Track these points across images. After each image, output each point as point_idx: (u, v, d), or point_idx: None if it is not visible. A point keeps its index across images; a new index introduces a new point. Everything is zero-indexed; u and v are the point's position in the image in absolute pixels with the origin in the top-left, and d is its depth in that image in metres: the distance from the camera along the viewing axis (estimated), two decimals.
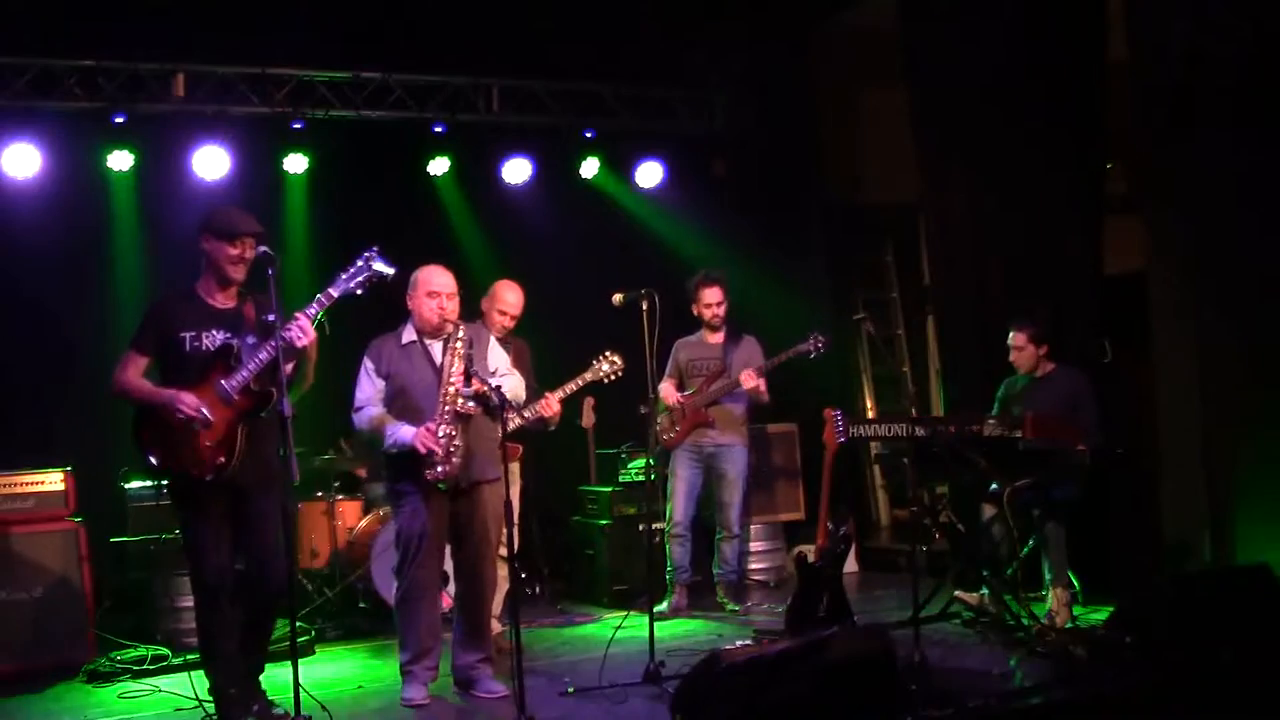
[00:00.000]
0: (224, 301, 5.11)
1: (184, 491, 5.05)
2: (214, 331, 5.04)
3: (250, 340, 4.98)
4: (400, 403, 5.58)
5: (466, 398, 5.48)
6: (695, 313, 7.44)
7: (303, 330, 4.89)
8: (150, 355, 5.08)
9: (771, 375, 7.34)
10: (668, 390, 7.35)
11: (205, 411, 4.91)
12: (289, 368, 5.06)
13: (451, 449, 5.44)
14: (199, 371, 4.99)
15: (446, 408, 5.47)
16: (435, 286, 5.57)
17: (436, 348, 5.62)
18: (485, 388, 5.40)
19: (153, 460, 5.01)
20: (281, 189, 8.27)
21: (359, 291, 5.08)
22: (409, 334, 5.66)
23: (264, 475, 4.99)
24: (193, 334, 5.02)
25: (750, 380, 7.17)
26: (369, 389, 5.62)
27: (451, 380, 5.49)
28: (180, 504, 5.10)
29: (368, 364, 5.63)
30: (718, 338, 7.44)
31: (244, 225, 5.04)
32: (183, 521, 5.13)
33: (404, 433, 5.47)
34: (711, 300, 7.37)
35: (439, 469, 5.43)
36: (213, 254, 5.05)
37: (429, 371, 5.58)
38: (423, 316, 5.60)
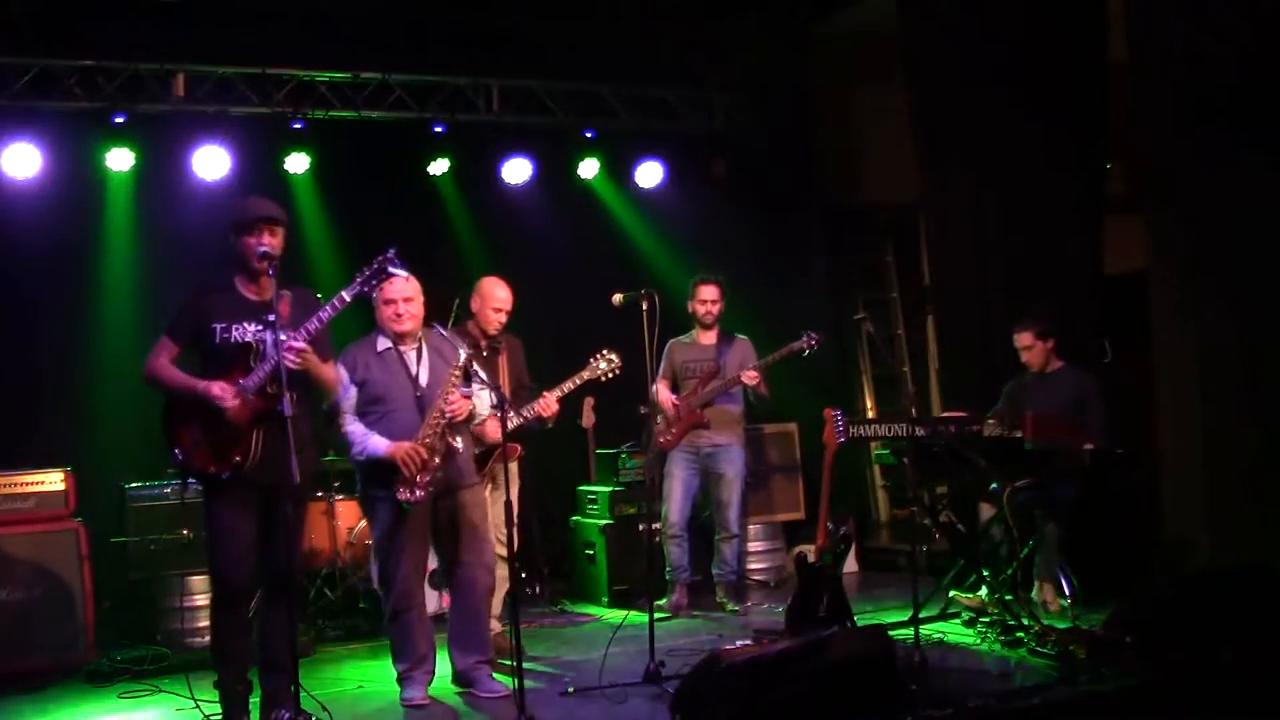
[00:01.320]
0: (257, 294, 5.10)
1: (213, 488, 5.06)
2: (245, 324, 5.03)
3: (273, 337, 4.96)
4: (374, 411, 5.53)
5: (453, 428, 5.44)
6: (690, 310, 7.43)
7: (296, 353, 4.88)
8: (182, 344, 5.08)
9: (770, 375, 7.34)
10: (662, 393, 7.34)
11: (232, 398, 4.91)
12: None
13: (431, 478, 5.39)
14: (226, 365, 4.99)
15: (431, 434, 5.41)
16: (390, 294, 5.50)
17: (411, 355, 5.58)
18: (476, 399, 5.43)
19: (177, 454, 5.02)
20: (282, 189, 8.24)
21: (375, 294, 5.09)
22: (383, 342, 5.60)
23: (290, 475, 4.95)
24: (223, 325, 5.03)
25: (752, 377, 7.17)
26: (343, 395, 5.53)
27: (446, 410, 5.42)
28: (209, 500, 5.11)
29: (341, 371, 5.53)
30: (710, 338, 7.44)
31: (257, 210, 5.07)
32: (208, 516, 5.14)
33: (378, 445, 5.41)
34: (707, 297, 7.37)
35: (414, 493, 5.38)
36: (238, 248, 5.06)
37: (404, 380, 5.54)
38: (382, 324, 5.58)
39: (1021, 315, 6.96)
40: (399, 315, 5.52)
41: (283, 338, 4.86)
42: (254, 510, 5.05)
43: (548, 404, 6.35)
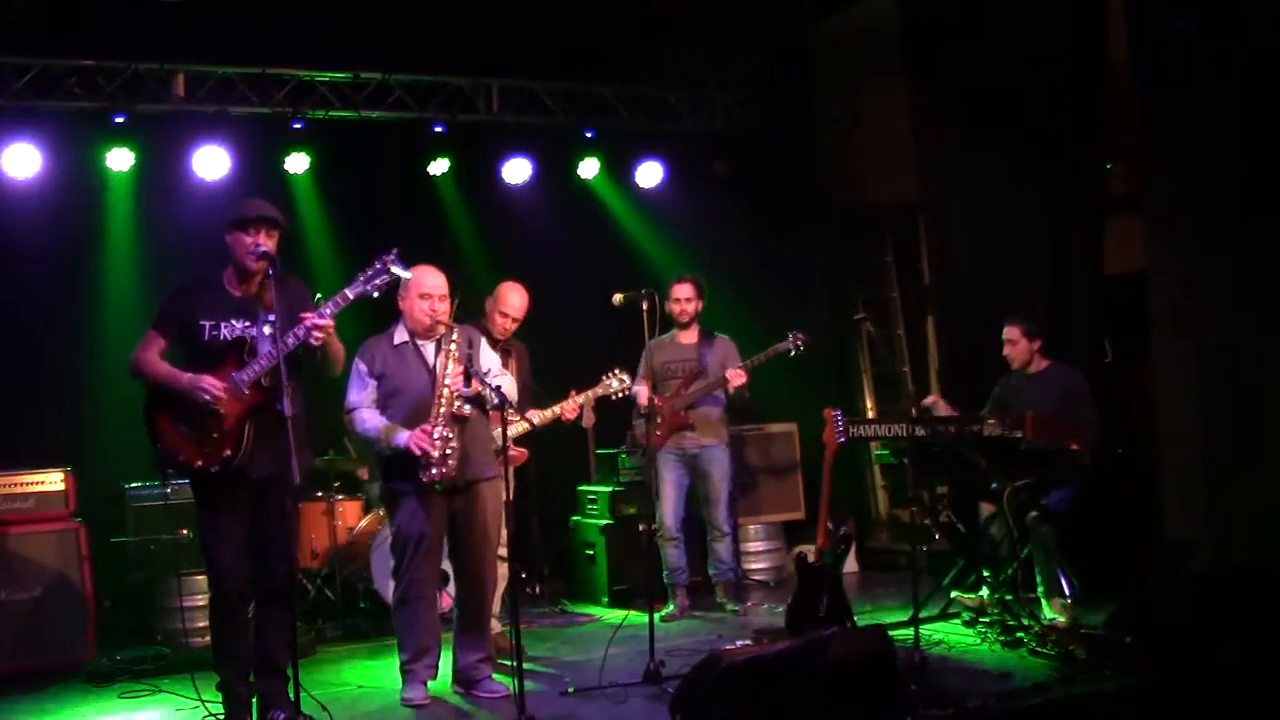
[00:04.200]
0: (244, 291, 5.11)
1: (202, 485, 5.06)
2: (234, 321, 5.05)
3: (268, 331, 4.97)
4: (394, 404, 5.58)
5: (463, 399, 5.48)
6: (668, 310, 7.32)
7: (321, 329, 4.92)
8: (169, 339, 5.09)
9: (765, 374, 7.33)
10: (643, 393, 7.21)
11: (223, 394, 4.93)
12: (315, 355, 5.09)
13: (448, 451, 5.42)
14: (215, 361, 5.00)
15: (442, 409, 5.45)
16: (427, 288, 5.55)
17: (429, 348, 5.61)
18: (484, 389, 5.42)
19: (161, 450, 5.01)
20: (282, 189, 8.26)
21: (375, 294, 5.13)
22: (401, 335, 5.65)
23: (281, 471, 4.91)
24: (212, 323, 5.04)
25: (739, 378, 7.15)
26: (361, 391, 5.60)
27: (447, 382, 5.47)
28: (199, 497, 5.12)
29: (359, 365, 5.60)
30: (691, 338, 7.40)
31: (254, 210, 5.07)
32: (199, 515, 5.14)
33: (399, 436, 5.45)
34: (680, 295, 7.32)
35: (434, 471, 5.40)
36: (232, 246, 5.07)
37: (423, 372, 5.57)
38: (414, 318, 5.59)
39: (1017, 310, 6.96)
40: (435, 311, 5.55)
41: (268, 333, 4.88)
42: (246, 508, 5.05)
43: (574, 406, 6.54)
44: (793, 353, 7.25)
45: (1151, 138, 6.82)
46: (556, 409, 6.51)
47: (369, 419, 5.56)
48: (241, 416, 4.97)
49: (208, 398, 4.91)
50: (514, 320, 6.51)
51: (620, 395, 6.67)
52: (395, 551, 5.66)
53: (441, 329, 5.58)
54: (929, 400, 6.95)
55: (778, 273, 9.08)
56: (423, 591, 5.59)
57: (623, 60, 8.82)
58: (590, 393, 6.62)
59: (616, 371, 6.64)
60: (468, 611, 5.69)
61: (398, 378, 5.59)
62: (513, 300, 6.50)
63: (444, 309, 5.60)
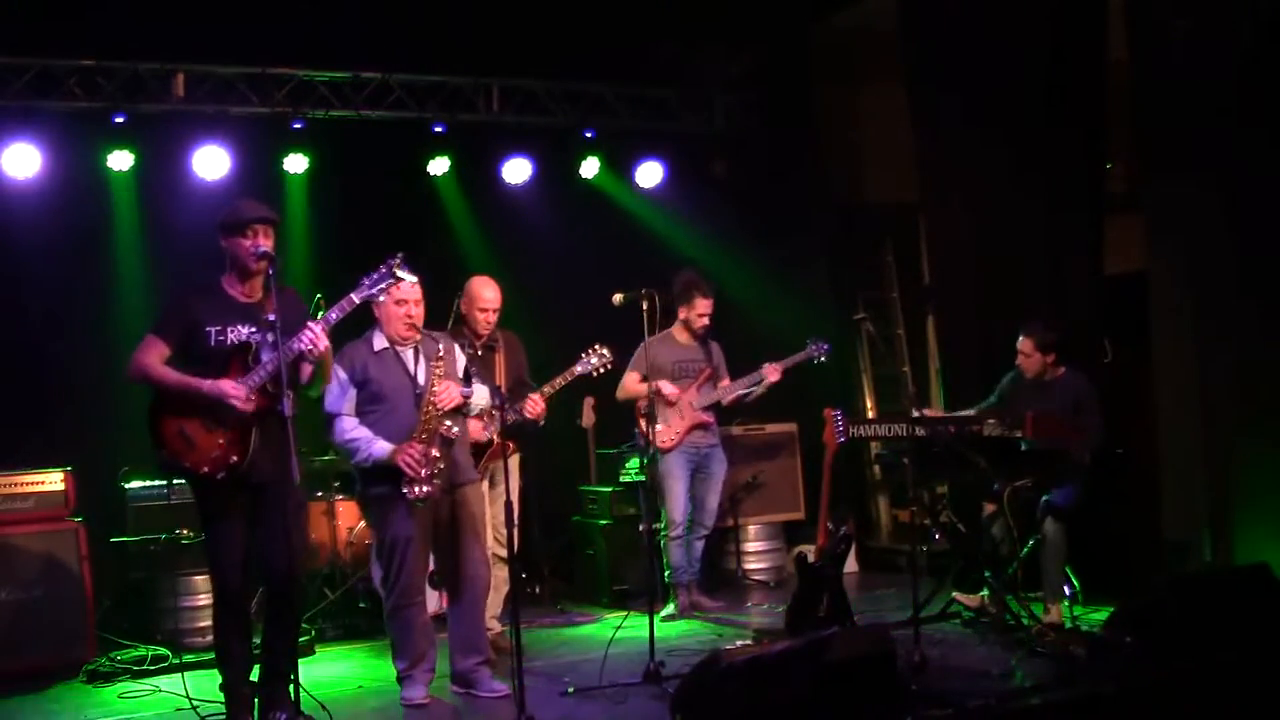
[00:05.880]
0: (247, 295, 5.10)
1: (204, 489, 5.05)
2: (238, 326, 5.04)
3: (271, 338, 4.96)
4: (376, 411, 5.53)
5: (448, 415, 5.44)
6: (682, 316, 7.28)
7: (314, 340, 4.91)
8: (172, 344, 5.03)
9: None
10: (667, 388, 7.23)
11: (247, 398, 4.91)
12: (307, 369, 5.08)
13: (435, 471, 5.39)
14: (220, 366, 4.98)
15: (430, 426, 5.42)
16: (403, 295, 5.49)
17: (408, 354, 5.59)
18: (467, 400, 5.47)
19: (165, 455, 4.98)
20: (281, 189, 8.26)
21: (381, 299, 5.12)
22: (380, 341, 5.59)
23: (282, 472, 4.89)
24: (217, 328, 5.02)
25: (776, 375, 7.22)
26: (341, 397, 5.53)
27: (435, 401, 5.42)
28: (201, 502, 5.10)
29: (339, 371, 5.49)
30: (690, 339, 7.38)
31: (250, 212, 5.06)
32: (202, 519, 5.14)
33: (385, 449, 5.40)
34: (706, 310, 7.31)
35: (420, 489, 5.37)
36: (231, 250, 5.06)
37: (405, 381, 5.54)
38: (391, 325, 5.55)
39: (1032, 321, 6.84)
40: (411, 316, 5.54)
41: (271, 338, 4.87)
42: (244, 511, 5.05)
43: (534, 403, 6.35)
44: (817, 360, 7.31)
45: (1151, 137, 6.82)
46: (519, 408, 6.32)
47: (352, 429, 5.50)
48: (248, 423, 4.96)
49: (236, 404, 4.89)
50: (494, 312, 6.43)
51: (601, 372, 6.46)
52: (382, 559, 5.61)
53: (417, 335, 5.57)
54: None
55: (777, 273, 9.08)
56: (413, 599, 5.56)
57: (623, 60, 8.82)
58: (564, 376, 6.44)
59: (596, 347, 6.42)
60: (462, 613, 5.66)
61: (380, 385, 5.53)
62: (487, 294, 6.43)
63: (419, 313, 5.57)
